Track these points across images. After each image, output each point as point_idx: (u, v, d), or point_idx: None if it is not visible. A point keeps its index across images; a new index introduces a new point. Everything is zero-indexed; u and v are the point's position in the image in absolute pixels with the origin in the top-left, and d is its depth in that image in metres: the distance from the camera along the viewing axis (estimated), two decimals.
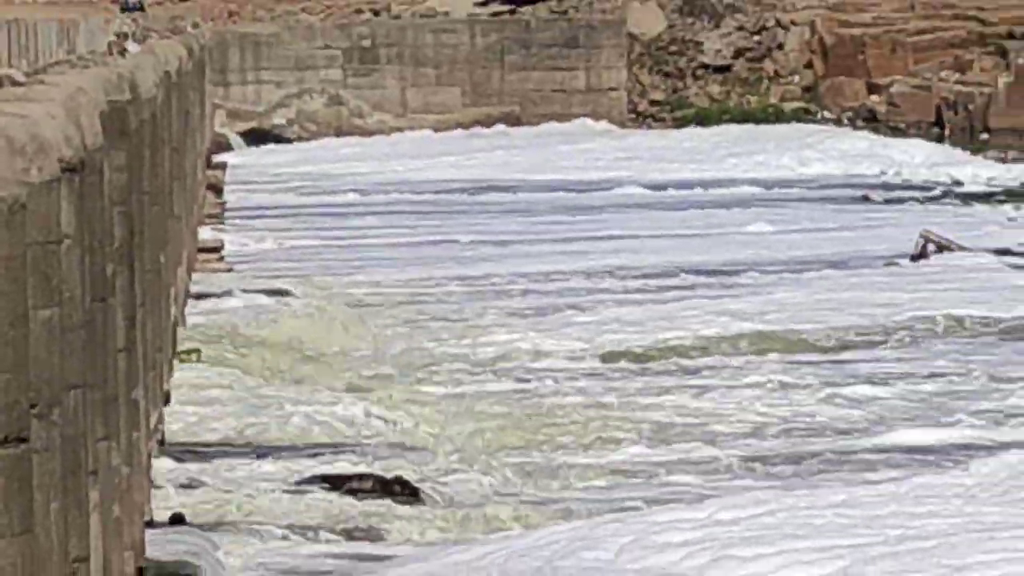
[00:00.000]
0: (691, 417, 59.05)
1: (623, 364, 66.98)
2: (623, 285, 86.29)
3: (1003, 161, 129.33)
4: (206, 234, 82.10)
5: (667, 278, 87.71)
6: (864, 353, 69.11)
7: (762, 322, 74.60)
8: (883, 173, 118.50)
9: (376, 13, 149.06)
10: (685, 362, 67.04)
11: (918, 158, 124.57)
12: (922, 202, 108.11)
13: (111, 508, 27.59)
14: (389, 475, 47.56)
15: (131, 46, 52.86)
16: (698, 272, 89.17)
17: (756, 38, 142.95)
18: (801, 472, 52.09)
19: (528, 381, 64.20)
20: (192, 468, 46.67)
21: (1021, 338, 73.13)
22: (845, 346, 70.80)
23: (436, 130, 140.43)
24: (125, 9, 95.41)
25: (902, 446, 55.00)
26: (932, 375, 64.92)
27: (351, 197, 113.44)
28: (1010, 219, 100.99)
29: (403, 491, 46.27)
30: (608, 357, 68.47)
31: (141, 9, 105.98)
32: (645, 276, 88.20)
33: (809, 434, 57.25)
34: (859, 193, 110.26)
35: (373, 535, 43.30)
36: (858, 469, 51.81)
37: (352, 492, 46.12)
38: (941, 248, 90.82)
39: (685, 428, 57.93)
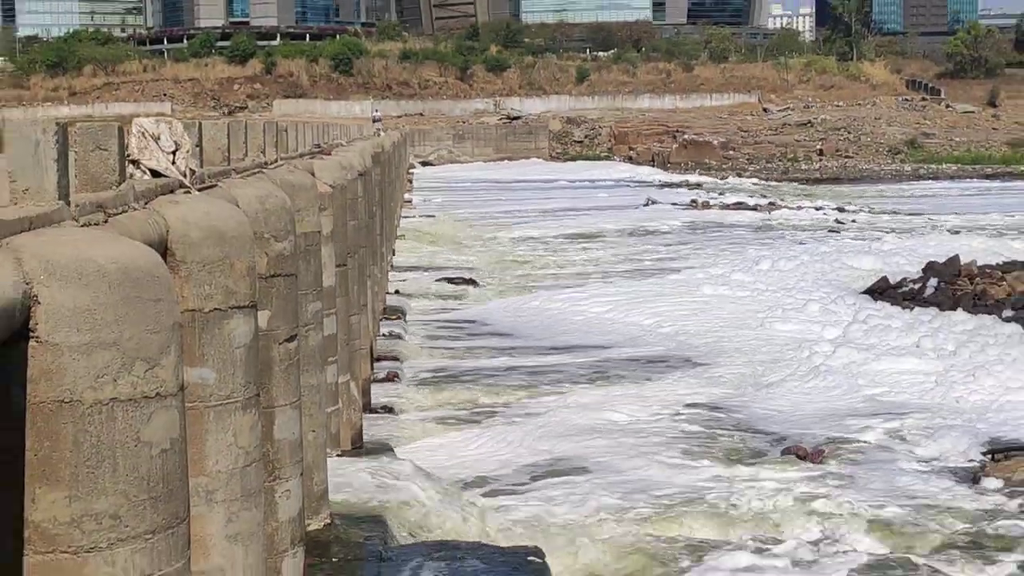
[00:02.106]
0: (591, 258, 57.91)
1: (558, 240, 65.09)
2: (559, 214, 79.80)
3: (678, 172, 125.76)
4: (407, 195, 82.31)
5: (572, 212, 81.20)
6: (644, 238, 65.09)
7: (607, 225, 71.24)
8: (633, 177, 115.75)
9: (463, 123, 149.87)
10: (582, 240, 64.72)
11: (647, 171, 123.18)
12: (647, 187, 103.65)
13: (375, 288, 31.81)
14: (466, 276, 49.77)
15: (382, 133, 58.97)
16: (580, 210, 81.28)
17: (591, 130, 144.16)
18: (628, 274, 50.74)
19: (525, 242, 63.31)
20: (401, 275, 47.24)
21: (698, 231, 68.86)
22: (633, 234, 66.95)
23: (484, 162, 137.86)
24: (375, 121, 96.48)
25: (654, 268, 53.55)
26: (672, 244, 62.85)
27: (457, 185, 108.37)
28: (678, 192, 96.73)
29: (471, 282, 48.18)
30: (558, 236, 65.97)
31: (380, 121, 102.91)
32: (564, 211, 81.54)
33: (621, 262, 55.42)
34: (625, 184, 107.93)
35: (459, 298, 44.71)
36: (638, 276, 51.07)
37: (452, 282, 47.66)
38: (651, 202, 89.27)
39: (585, 263, 56.95)
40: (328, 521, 16.30)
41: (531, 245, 63.10)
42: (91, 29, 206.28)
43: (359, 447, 21.20)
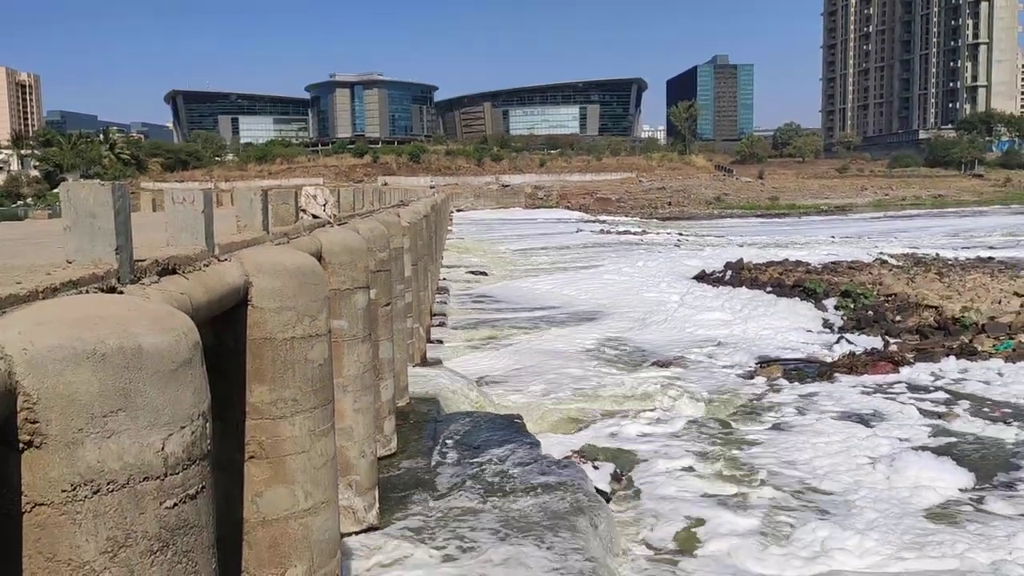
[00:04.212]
0: (547, 259, 53.01)
1: (530, 249, 59.70)
2: (530, 236, 73.29)
3: (594, 215, 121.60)
4: (449, 227, 74.21)
5: (537, 235, 74.74)
6: (575, 248, 61.88)
7: (555, 242, 66.37)
8: (570, 218, 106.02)
9: (479, 189, 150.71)
10: (542, 250, 59.76)
11: (577, 215, 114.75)
12: (577, 222, 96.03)
13: (433, 277, 30.74)
14: (480, 269, 46.66)
15: (436, 194, 56.93)
16: (541, 235, 75.48)
17: (547, 192, 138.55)
18: (566, 267, 46.96)
19: (513, 251, 57.70)
20: (446, 270, 44.52)
21: (604, 245, 65.16)
22: (599, 244, 62.42)
23: (491, 210, 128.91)
24: (431, 188, 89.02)
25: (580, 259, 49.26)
26: (589, 252, 58.15)
27: (476, 221, 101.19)
28: (593, 225, 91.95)
29: (483, 273, 45.42)
30: (530, 247, 60.41)
31: (435, 188, 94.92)
32: (533, 235, 75.48)
33: (563, 261, 50.27)
34: (565, 221, 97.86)
35: (477, 282, 42.17)
36: (572, 269, 46.88)
37: (473, 273, 44.91)
38: (579, 230, 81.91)
39: (544, 262, 52.67)
40: (408, 401, 16.11)
41: (516, 252, 61.17)
42: (280, 138, 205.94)
43: (424, 362, 20.79)
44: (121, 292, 4.08)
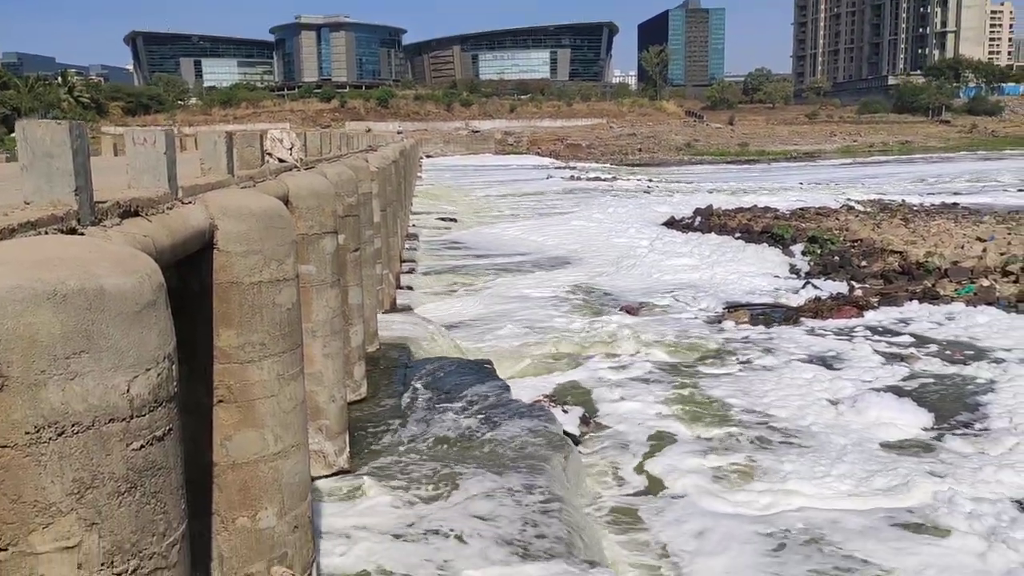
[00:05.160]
0: (517, 206, 52.47)
1: (499, 196, 59.57)
2: (500, 183, 73.35)
3: (564, 161, 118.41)
4: (419, 173, 69.71)
5: (507, 182, 74.07)
6: (544, 195, 61.36)
7: (526, 188, 66.64)
8: (541, 164, 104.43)
9: (448, 134, 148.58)
10: (512, 196, 59.51)
11: (548, 160, 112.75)
12: (548, 169, 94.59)
13: (402, 223, 30.45)
14: (450, 216, 46.21)
15: (404, 140, 55.58)
16: (511, 181, 75.65)
17: (518, 138, 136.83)
18: (536, 214, 47.24)
19: (483, 197, 57.65)
20: (416, 216, 43.71)
21: (574, 192, 64.98)
22: (569, 190, 62.49)
23: (460, 156, 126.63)
24: (399, 133, 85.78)
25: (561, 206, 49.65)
26: (559, 198, 58.24)
27: (446, 167, 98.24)
28: (564, 171, 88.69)
29: (453, 220, 44.64)
30: (500, 194, 60.84)
31: (403, 133, 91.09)
32: (503, 181, 74.71)
33: (533, 208, 50.17)
34: (536, 167, 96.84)
35: (447, 229, 41.88)
36: (542, 215, 47.23)
37: (443, 220, 44.37)
38: (549, 176, 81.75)
39: (514, 208, 52.41)
40: (378, 347, 16.15)
41: (486, 199, 60.52)
42: (244, 82, 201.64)
43: (394, 308, 20.77)
44: (82, 234, 4.01)
